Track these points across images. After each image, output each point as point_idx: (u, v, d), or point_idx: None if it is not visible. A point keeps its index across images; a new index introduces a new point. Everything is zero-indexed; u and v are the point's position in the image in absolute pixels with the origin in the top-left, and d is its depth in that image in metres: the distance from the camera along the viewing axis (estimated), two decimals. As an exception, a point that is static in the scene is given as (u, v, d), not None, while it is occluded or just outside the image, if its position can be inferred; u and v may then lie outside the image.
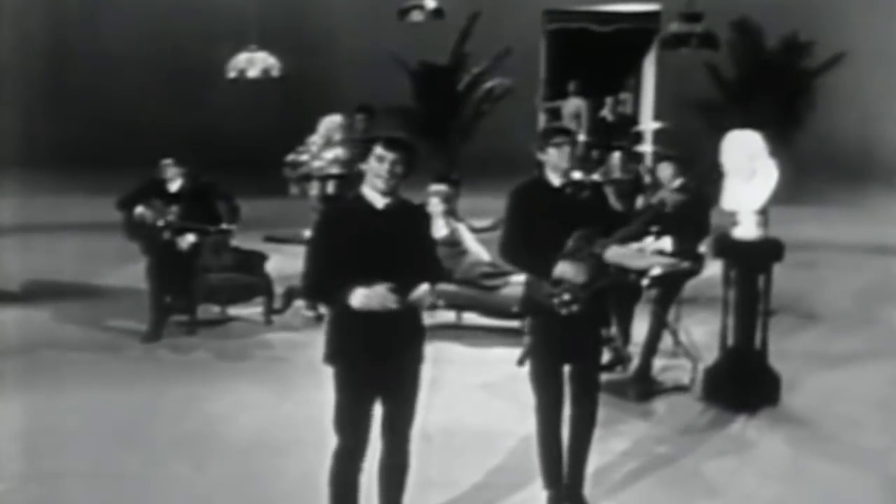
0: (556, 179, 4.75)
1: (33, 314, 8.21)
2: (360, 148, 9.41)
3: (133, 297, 8.15)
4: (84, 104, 14.01)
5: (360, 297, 3.94)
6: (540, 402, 4.82)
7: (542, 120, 15.00)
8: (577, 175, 4.82)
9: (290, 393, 6.40)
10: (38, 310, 8.32)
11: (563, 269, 4.62)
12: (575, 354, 4.76)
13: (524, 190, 4.89)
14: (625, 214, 4.85)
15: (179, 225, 7.64)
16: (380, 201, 4.10)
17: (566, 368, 4.79)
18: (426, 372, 4.29)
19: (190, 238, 7.64)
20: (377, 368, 4.10)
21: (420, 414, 4.29)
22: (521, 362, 5.80)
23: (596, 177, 5.64)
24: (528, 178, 4.96)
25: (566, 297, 4.63)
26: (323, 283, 4.10)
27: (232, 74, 11.83)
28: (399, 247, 4.05)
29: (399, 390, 4.19)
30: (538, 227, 4.66)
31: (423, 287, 4.05)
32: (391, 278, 3.97)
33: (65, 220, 11.71)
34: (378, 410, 4.22)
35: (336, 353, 4.17)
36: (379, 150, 4.08)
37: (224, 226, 7.78)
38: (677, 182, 4.74)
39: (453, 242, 7.81)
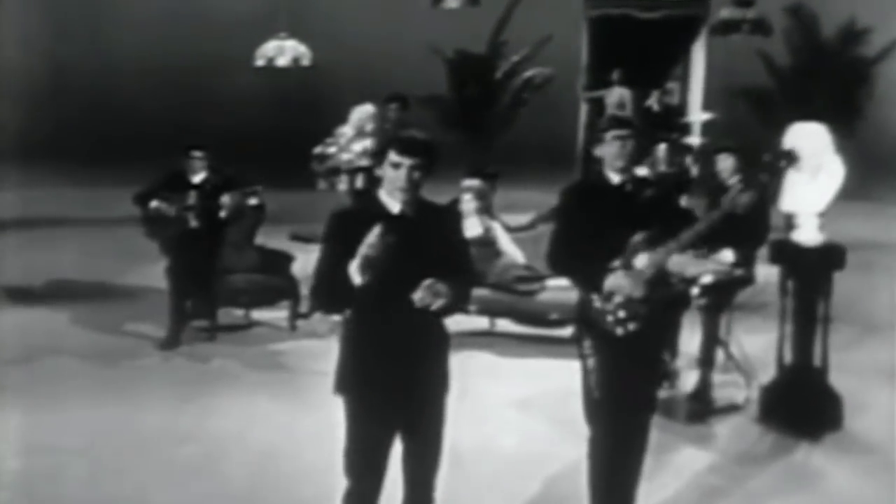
0: (614, 177, 4.23)
1: (52, 316, 7.95)
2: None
3: (154, 297, 7.82)
4: (98, 94, 13.82)
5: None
6: (597, 435, 4.30)
7: (583, 110, 14.65)
8: (641, 171, 4.33)
9: (309, 408, 6.00)
10: (56, 311, 8.07)
11: (617, 281, 4.11)
12: (639, 383, 4.26)
13: (577, 189, 4.44)
14: (693, 216, 4.33)
15: (201, 206, 7.29)
16: (396, 206, 3.64)
17: None
18: (455, 385, 3.83)
19: (226, 200, 7.26)
20: (396, 396, 3.64)
21: (447, 434, 3.83)
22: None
23: (645, 171, 5.16)
24: (584, 176, 4.50)
25: (621, 313, 4.13)
26: (327, 293, 3.67)
27: (260, 63, 11.53)
28: (419, 255, 3.58)
29: (421, 424, 3.74)
30: (592, 231, 4.13)
31: (428, 282, 3.47)
32: (410, 290, 3.52)
33: (77, 216, 11.55)
34: (397, 449, 3.78)
35: (348, 379, 3.71)
36: (394, 155, 3.57)
37: (252, 199, 7.43)
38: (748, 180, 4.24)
39: (487, 242, 7.48)
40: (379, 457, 3.71)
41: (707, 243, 4.66)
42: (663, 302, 4.19)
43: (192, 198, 7.38)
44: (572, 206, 4.32)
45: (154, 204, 7.42)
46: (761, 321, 6.74)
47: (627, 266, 4.14)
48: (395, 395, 3.64)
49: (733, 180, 6.60)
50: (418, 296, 3.47)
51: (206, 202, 7.34)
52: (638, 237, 4.14)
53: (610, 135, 4.20)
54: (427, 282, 3.47)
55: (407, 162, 3.55)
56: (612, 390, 4.21)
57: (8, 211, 11.18)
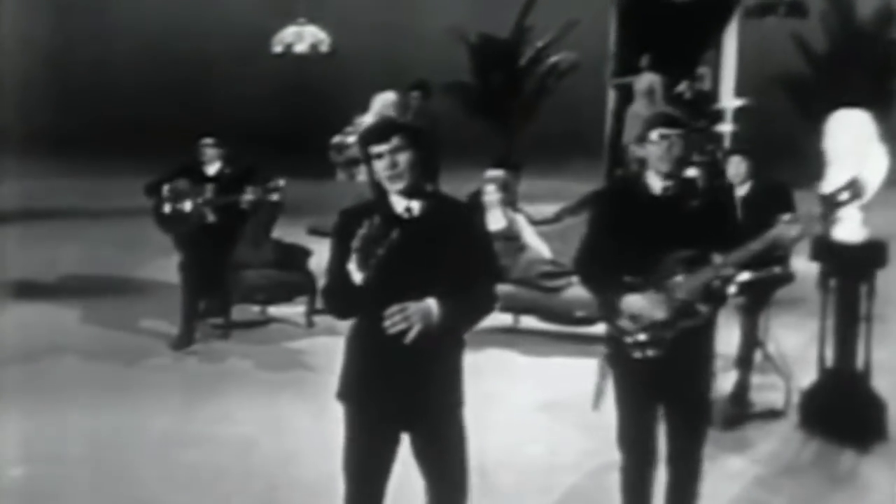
0: (656, 183, 3.83)
1: (56, 312, 7.77)
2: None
3: (165, 293, 7.63)
4: (105, 83, 13.76)
5: None
6: (625, 460, 3.97)
7: (611, 97, 14.38)
8: (691, 172, 3.94)
9: (327, 410, 5.71)
10: (61, 307, 7.89)
11: (634, 302, 3.75)
12: (672, 400, 3.88)
13: (612, 194, 4.18)
14: (739, 233, 3.88)
15: (217, 202, 7.08)
16: (401, 203, 3.40)
17: (660, 417, 3.95)
18: (477, 387, 3.59)
19: (248, 196, 7.02)
20: (400, 404, 3.43)
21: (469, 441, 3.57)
22: (596, 405, 5.07)
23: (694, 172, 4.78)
24: (609, 169, 4.19)
25: (641, 337, 3.77)
26: (337, 295, 3.45)
27: (278, 49, 11.37)
28: (428, 255, 3.35)
29: (433, 446, 3.50)
30: (624, 244, 3.77)
31: (395, 307, 3.26)
32: (418, 292, 3.29)
33: (82, 207, 11.44)
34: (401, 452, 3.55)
35: (351, 386, 3.52)
36: (371, 148, 3.39)
37: (274, 196, 7.15)
38: (798, 226, 3.82)
39: (510, 236, 7.29)
40: (381, 467, 3.52)
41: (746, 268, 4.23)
42: (690, 329, 3.79)
43: (208, 191, 7.17)
44: (605, 213, 3.97)
45: (166, 190, 7.16)
46: (798, 318, 6.50)
47: (659, 286, 3.78)
48: (399, 404, 3.43)
49: (745, 187, 6.32)
50: (386, 323, 3.26)
51: (223, 196, 7.12)
52: (675, 256, 3.77)
53: (655, 134, 3.79)
54: (394, 307, 3.25)
55: (383, 148, 3.36)
56: (631, 412, 3.91)
57: (10, 202, 11.05)
